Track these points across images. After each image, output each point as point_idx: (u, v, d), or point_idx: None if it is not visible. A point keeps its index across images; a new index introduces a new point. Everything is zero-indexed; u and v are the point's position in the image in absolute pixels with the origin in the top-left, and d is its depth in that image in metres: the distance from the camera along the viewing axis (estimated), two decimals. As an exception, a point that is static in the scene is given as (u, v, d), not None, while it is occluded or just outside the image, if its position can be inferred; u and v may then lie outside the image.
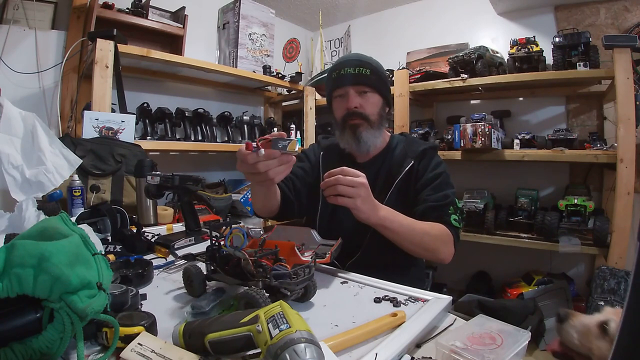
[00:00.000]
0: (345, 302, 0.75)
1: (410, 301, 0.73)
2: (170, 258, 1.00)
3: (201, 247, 0.86)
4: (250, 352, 0.48)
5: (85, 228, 0.70)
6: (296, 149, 0.76)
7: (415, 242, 0.98)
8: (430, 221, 1.02)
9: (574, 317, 0.77)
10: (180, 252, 0.98)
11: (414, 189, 1.11)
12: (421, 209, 1.06)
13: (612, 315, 0.74)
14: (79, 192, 1.27)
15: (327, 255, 0.79)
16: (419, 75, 2.39)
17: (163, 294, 0.77)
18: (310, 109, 2.68)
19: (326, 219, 1.18)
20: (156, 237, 1.13)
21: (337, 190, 0.84)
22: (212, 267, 0.74)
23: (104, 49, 1.59)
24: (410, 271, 1.17)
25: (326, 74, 2.22)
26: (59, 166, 1.20)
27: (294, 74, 2.60)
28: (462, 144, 2.03)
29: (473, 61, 2.12)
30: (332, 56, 3.22)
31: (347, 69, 1.12)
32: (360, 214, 0.88)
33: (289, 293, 0.64)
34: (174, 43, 2.20)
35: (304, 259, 0.73)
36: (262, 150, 0.73)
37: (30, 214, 1.00)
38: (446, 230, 1.01)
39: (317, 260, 0.75)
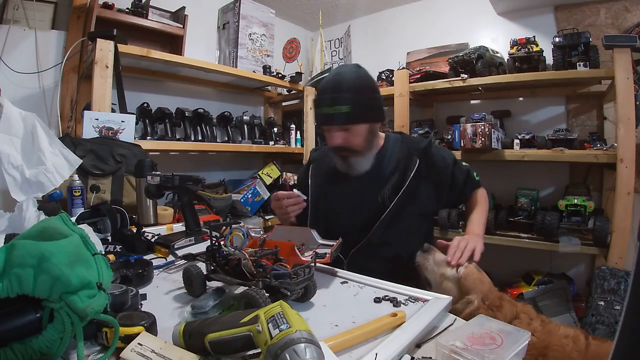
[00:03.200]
0: (345, 302, 0.75)
1: (410, 301, 0.73)
2: (170, 258, 1.00)
3: (201, 247, 0.86)
4: (250, 352, 0.48)
5: (85, 228, 0.70)
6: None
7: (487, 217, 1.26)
8: (467, 194, 1.28)
9: (434, 252, 1.00)
10: (180, 252, 0.98)
11: (430, 186, 1.19)
12: (459, 192, 1.25)
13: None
14: (79, 192, 1.27)
15: (327, 255, 0.79)
16: (419, 75, 2.39)
17: (163, 294, 0.77)
18: (310, 109, 2.68)
19: (321, 225, 1.20)
20: (156, 237, 1.13)
21: (466, 258, 0.97)
22: (212, 267, 0.74)
23: (104, 49, 1.59)
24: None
25: (327, 74, 2.24)
26: (59, 166, 1.20)
27: (294, 74, 2.60)
28: (462, 144, 2.03)
29: (473, 61, 2.12)
30: (332, 56, 3.22)
31: (324, 108, 1.10)
32: (482, 246, 1.06)
33: (289, 293, 0.64)
34: (174, 43, 2.20)
35: (304, 259, 0.73)
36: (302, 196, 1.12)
37: (30, 214, 1.00)
38: (480, 190, 1.30)
39: (317, 260, 0.75)
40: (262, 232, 0.96)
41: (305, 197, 1.13)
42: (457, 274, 0.90)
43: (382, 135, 1.27)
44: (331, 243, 0.87)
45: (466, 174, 1.24)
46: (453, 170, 1.22)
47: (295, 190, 1.11)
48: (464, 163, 1.28)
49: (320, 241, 0.89)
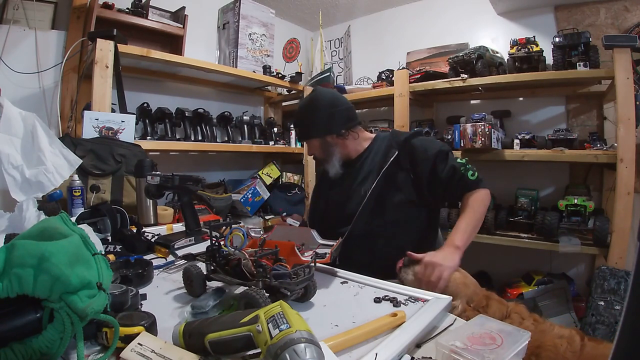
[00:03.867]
0: (345, 302, 0.75)
1: (410, 301, 0.73)
2: (170, 258, 1.00)
3: (201, 247, 0.86)
4: (250, 352, 0.48)
5: (85, 228, 0.70)
6: None
7: (480, 223, 1.15)
8: (456, 194, 1.19)
9: (414, 266, 0.98)
10: (180, 252, 0.98)
11: (407, 176, 1.22)
12: (442, 189, 1.19)
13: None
14: (79, 192, 1.27)
15: (327, 255, 0.79)
16: (419, 75, 2.39)
17: (163, 294, 0.77)
18: (310, 109, 2.67)
19: (317, 224, 1.33)
20: (156, 237, 1.14)
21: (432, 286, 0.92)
22: (212, 267, 0.74)
23: (104, 49, 1.59)
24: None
25: (327, 74, 2.29)
26: (59, 166, 1.20)
27: (294, 74, 2.60)
28: (462, 144, 2.03)
29: (473, 61, 2.12)
30: (332, 56, 3.22)
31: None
32: (451, 271, 0.95)
33: (289, 293, 0.64)
34: (174, 43, 2.20)
35: (304, 259, 0.73)
36: None
37: (30, 214, 1.00)
38: (477, 192, 1.17)
39: (317, 260, 0.75)
40: (262, 232, 0.96)
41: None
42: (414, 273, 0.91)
43: (369, 136, 1.37)
44: (331, 243, 0.87)
45: (452, 171, 1.17)
46: (434, 162, 1.19)
47: (289, 219, 1.20)
48: (459, 160, 1.21)
49: (320, 241, 0.89)
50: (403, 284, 0.94)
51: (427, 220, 1.26)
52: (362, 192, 1.23)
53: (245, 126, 2.49)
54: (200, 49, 2.47)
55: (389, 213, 1.20)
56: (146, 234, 1.15)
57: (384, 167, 1.22)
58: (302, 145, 2.70)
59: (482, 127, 1.96)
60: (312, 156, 1.39)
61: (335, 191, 1.34)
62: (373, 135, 1.38)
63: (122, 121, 1.59)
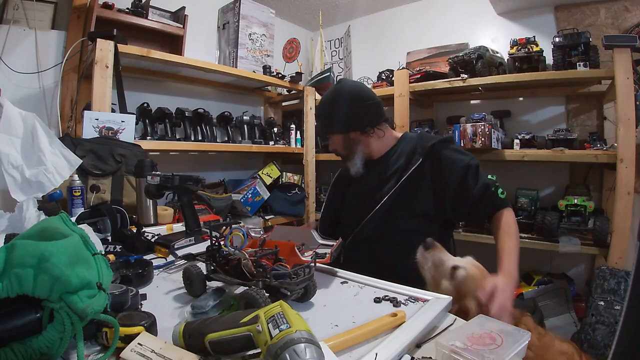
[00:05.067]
0: (345, 302, 0.75)
1: (410, 301, 0.73)
2: (170, 258, 1.00)
3: (201, 247, 0.86)
4: (250, 352, 0.48)
5: (85, 228, 0.70)
6: None
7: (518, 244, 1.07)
8: (485, 212, 1.13)
9: (436, 249, 0.94)
10: (180, 252, 0.98)
11: (429, 188, 1.14)
12: (471, 206, 1.12)
13: (467, 264, 0.88)
14: (79, 192, 1.26)
15: (327, 255, 0.79)
16: (419, 75, 2.39)
17: (163, 294, 0.77)
18: (310, 109, 2.68)
19: (327, 223, 1.35)
20: (156, 237, 1.13)
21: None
22: (212, 267, 0.74)
23: (104, 49, 1.59)
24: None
25: (327, 74, 2.26)
26: (59, 166, 1.20)
27: (294, 74, 2.60)
28: (462, 144, 2.03)
29: (473, 61, 2.12)
30: (332, 56, 3.22)
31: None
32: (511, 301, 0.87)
33: (289, 293, 0.64)
34: (174, 43, 2.20)
35: (304, 259, 0.73)
36: None
37: (30, 214, 1.00)
38: (507, 212, 1.11)
39: (317, 260, 0.75)
40: (262, 232, 0.96)
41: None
42: (456, 278, 0.86)
43: (396, 135, 1.29)
44: (331, 243, 0.87)
45: (484, 188, 1.10)
46: (465, 177, 1.11)
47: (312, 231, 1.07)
48: (490, 176, 1.14)
49: (320, 241, 0.89)
50: (419, 267, 0.92)
51: (439, 234, 1.15)
52: (378, 197, 1.17)
53: (245, 126, 2.49)
54: (200, 49, 2.47)
55: (400, 222, 1.14)
56: (146, 234, 1.15)
57: (404, 175, 1.14)
58: (302, 145, 2.71)
59: (482, 127, 1.96)
60: (334, 152, 1.31)
61: (353, 190, 1.29)
62: (399, 135, 1.29)
63: (122, 121, 1.59)
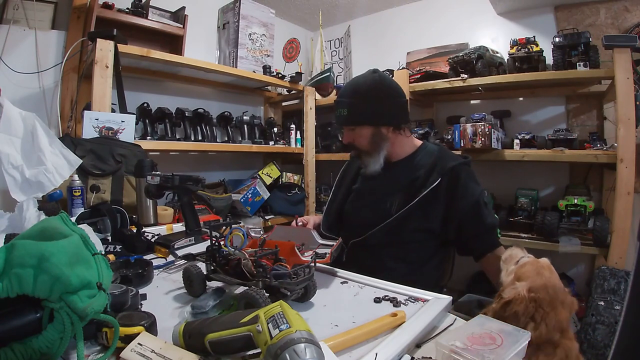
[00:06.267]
0: (345, 302, 0.75)
1: (410, 301, 0.73)
2: (170, 258, 1.00)
3: (201, 247, 0.86)
4: (250, 352, 0.48)
5: (85, 228, 0.70)
6: None
7: None
8: (481, 249, 1.11)
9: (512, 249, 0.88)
10: (180, 252, 0.98)
11: (441, 208, 1.12)
12: (472, 240, 1.12)
13: (532, 257, 0.84)
14: (79, 192, 1.26)
15: (327, 255, 0.79)
16: (419, 75, 2.39)
17: (163, 294, 0.77)
18: (310, 109, 2.68)
19: (329, 220, 1.30)
20: (156, 237, 1.13)
21: None
22: (212, 267, 0.74)
23: (104, 49, 1.59)
24: (418, 272, 1.15)
25: (327, 74, 2.24)
26: (59, 166, 1.19)
27: (294, 74, 2.60)
28: (462, 144, 2.03)
29: (473, 61, 2.12)
30: (332, 56, 3.22)
31: (337, 109, 1.20)
32: None
33: (289, 293, 0.64)
34: (174, 43, 2.20)
35: (304, 259, 0.73)
36: None
37: (30, 214, 1.00)
38: (499, 252, 1.07)
39: (317, 260, 0.75)
40: (262, 232, 0.96)
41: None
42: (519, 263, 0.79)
43: (416, 143, 1.25)
44: (331, 243, 0.87)
45: (490, 227, 1.11)
46: (476, 208, 1.10)
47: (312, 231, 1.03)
48: (495, 215, 1.14)
49: (320, 241, 0.89)
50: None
51: (437, 247, 1.18)
52: (388, 204, 1.15)
53: (245, 126, 2.49)
54: (200, 49, 2.47)
55: (408, 234, 1.13)
56: (146, 234, 1.15)
57: (422, 192, 1.11)
58: (302, 145, 2.70)
59: (482, 127, 1.96)
60: (349, 144, 1.23)
61: (361, 188, 1.26)
62: (419, 144, 1.26)
63: (122, 121, 1.59)
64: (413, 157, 1.21)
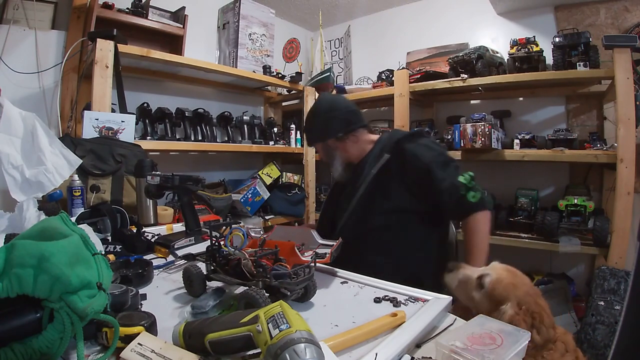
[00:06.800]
0: (345, 302, 0.75)
1: (410, 301, 0.73)
2: (170, 258, 1.00)
3: (201, 247, 0.86)
4: (250, 352, 0.48)
5: (85, 228, 0.70)
6: None
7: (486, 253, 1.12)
8: (454, 215, 1.20)
9: (459, 268, 0.88)
10: (180, 252, 0.98)
11: (398, 183, 1.17)
12: (442, 204, 1.13)
13: (490, 270, 0.81)
14: (79, 192, 1.26)
15: (327, 255, 0.79)
16: (419, 75, 2.39)
17: (163, 294, 0.77)
18: (310, 109, 2.67)
19: (325, 225, 1.37)
20: (156, 237, 1.13)
21: None
22: (212, 267, 0.74)
23: (104, 49, 1.59)
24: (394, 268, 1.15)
25: (327, 74, 2.29)
26: (59, 166, 1.19)
27: (294, 74, 2.60)
28: (462, 144, 2.03)
29: (473, 61, 2.12)
30: (332, 56, 3.22)
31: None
32: None
33: (289, 293, 0.64)
34: (174, 43, 2.20)
35: (304, 259, 0.73)
36: None
37: (30, 214, 1.00)
38: (474, 218, 1.10)
39: (317, 260, 0.75)
40: (262, 232, 0.96)
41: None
42: (484, 286, 0.78)
43: (372, 139, 1.34)
44: (331, 243, 0.87)
45: (451, 189, 1.09)
46: (431, 172, 1.10)
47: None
48: (462, 177, 1.10)
49: (320, 241, 0.89)
50: (451, 292, 0.85)
51: (422, 228, 1.18)
52: (355, 198, 1.23)
53: (245, 126, 2.49)
54: (200, 49, 2.47)
55: (375, 220, 1.18)
56: (146, 234, 1.15)
57: (372, 173, 1.21)
58: (302, 145, 2.71)
59: (482, 127, 1.96)
60: (323, 159, 1.42)
61: (341, 197, 1.34)
62: (376, 137, 1.35)
63: (122, 121, 1.59)
64: (371, 152, 1.30)
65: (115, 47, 1.63)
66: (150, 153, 1.81)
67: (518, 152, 2.02)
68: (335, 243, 0.85)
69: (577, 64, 1.90)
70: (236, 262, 0.70)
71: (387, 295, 0.75)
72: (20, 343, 0.44)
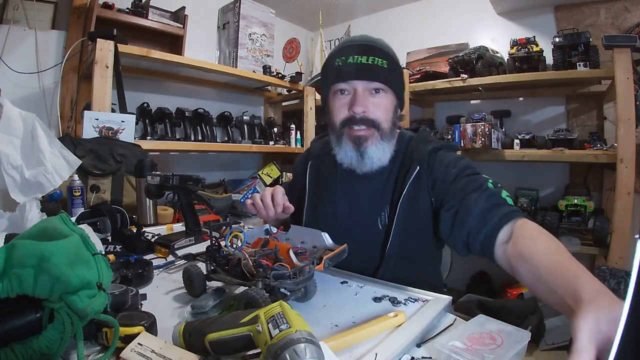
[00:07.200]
0: (345, 302, 0.74)
1: (410, 301, 0.73)
2: (170, 258, 1.00)
3: (201, 247, 0.86)
4: (250, 352, 0.48)
5: (85, 228, 0.70)
6: None
7: None
8: (488, 222, 0.75)
9: None
10: (180, 252, 0.98)
11: (428, 198, 0.90)
12: (472, 219, 0.78)
13: None
14: (79, 192, 1.27)
15: (321, 262, 0.74)
16: (419, 75, 2.39)
17: (163, 294, 0.77)
18: (310, 109, 2.67)
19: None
20: (156, 237, 1.13)
21: None
22: (212, 267, 0.74)
23: (104, 49, 1.59)
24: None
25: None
26: (59, 167, 1.19)
27: (294, 74, 2.60)
28: (462, 144, 2.03)
29: (473, 61, 2.12)
30: (332, 56, 3.22)
31: (357, 57, 0.84)
32: None
33: (289, 293, 0.64)
34: (174, 43, 2.20)
35: (295, 262, 0.71)
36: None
37: (32, 215, 1.00)
38: (529, 223, 0.72)
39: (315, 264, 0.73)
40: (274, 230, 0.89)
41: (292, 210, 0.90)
42: None
43: (397, 134, 0.98)
44: (338, 249, 0.81)
45: (480, 181, 0.84)
46: (458, 169, 0.86)
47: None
48: (490, 180, 0.86)
49: (329, 245, 0.82)
50: None
51: (437, 246, 0.97)
52: (379, 226, 0.92)
53: (245, 126, 2.49)
54: (200, 49, 2.47)
55: (409, 244, 0.91)
56: (146, 234, 1.15)
57: (404, 189, 0.88)
58: (302, 145, 2.70)
59: (482, 127, 1.96)
60: (362, 113, 0.87)
61: (347, 198, 0.98)
62: (398, 132, 0.99)
63: (122, 121, 1.59)
64: (397, 152, 0.95)
65: (115, 47, 1.63)
66: (150, 153, 1.81)
67: (518, 152, 2.02)
68: (338, 248, 0.79)
69: (577, 64, 1.90)
70: (236, 262, 0.70)
71: (387, 295, 0.75)
72: (21, 343, 0.44)
